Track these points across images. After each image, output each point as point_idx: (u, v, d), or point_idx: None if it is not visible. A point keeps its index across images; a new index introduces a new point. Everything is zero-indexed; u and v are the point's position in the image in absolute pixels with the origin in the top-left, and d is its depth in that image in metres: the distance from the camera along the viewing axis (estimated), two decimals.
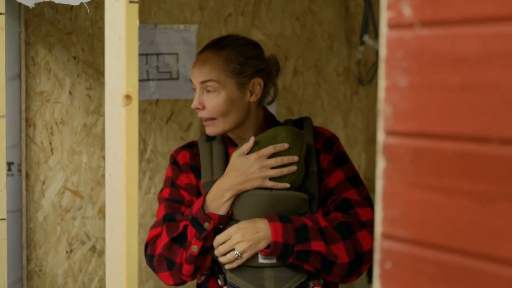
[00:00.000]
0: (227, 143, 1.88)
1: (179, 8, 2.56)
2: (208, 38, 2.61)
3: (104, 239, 2.48)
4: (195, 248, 1.74)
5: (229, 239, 1.72)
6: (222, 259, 1.74)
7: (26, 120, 2.27)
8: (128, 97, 1.31)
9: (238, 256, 1.72)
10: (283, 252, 1.70)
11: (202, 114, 1.80)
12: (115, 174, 1.34)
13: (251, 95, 1.81)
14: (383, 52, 0.84)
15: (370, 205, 1.85)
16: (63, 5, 2.28)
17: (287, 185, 1.75)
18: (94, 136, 2.42)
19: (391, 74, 0.83)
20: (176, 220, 1.79)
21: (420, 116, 0.80)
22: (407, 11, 0.81)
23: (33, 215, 2.34)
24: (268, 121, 1.91)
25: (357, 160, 3.27)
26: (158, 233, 1.83)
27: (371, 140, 3.28)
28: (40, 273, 2.37)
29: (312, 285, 1.80)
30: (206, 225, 1.72)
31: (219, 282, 1.82)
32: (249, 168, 1.74)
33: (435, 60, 0.78)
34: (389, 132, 0.84)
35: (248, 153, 1.75)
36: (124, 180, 1.31)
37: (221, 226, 1.75)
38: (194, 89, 1.83)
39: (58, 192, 2.38)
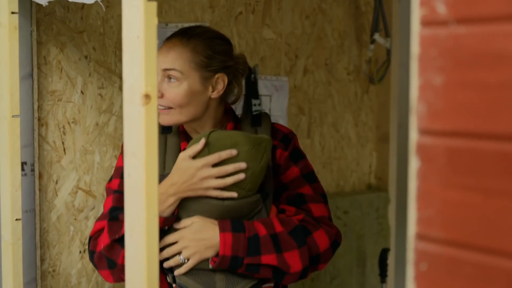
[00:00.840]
0: (181, 137, 1.83)
1: (190, 6, 2.55)
2: None
3: None
4: None
5: (176, 242, 1.70)
6: (165, 264, 1.71)
7: (39, 119, 2.26)
8: (147, 96, 1.29)
9: (182, 261, 1.69)
10: (231, 264, 1.68)
11: (159, 102, 1.72)
12: (134, 174, 1.33)
13: (213, 91, 1.76)
14: (415, 50, 0.82)
15: (325, 202, 1.82)
16: (74, 4, 2.26)
17: (234, 194, 1.68)
18: (107, 135, 2.41)
19: (424, 72, 0.81)
20: (119, 220, 1.73)
21: (456, 115, 0.79)
22: (441, 9, 0.79)
23: (46, 215, 2.33)
24: (229, 116, 1.86)
25: (368, 159, 3.26)
26: (101, 227, 1.77)
27: (382, 139, 3.26)
28: (53, 273, 2.36)
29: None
30: None
31: (168, 279, 1.78)
32: (192, 177, 1.67)
33: (471, 58, 0.77)
34: (424, 131, 0.82)
35: (196, 156, 1.69)
36: (144, 179, 1.30)
37: (166, 227, 1.72)
38: None
39: (71, 192, 2.37)
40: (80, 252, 2.40)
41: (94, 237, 1.79)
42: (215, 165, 1.68)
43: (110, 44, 2.39)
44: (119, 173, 1.82)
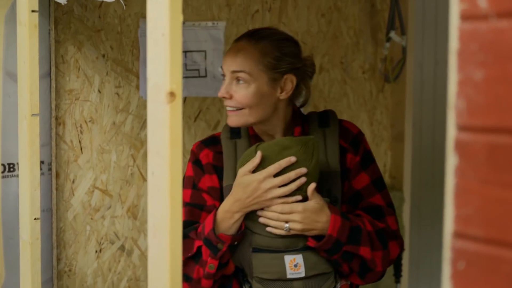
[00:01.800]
0: (253, 141, 1.82)
1: (207, 5, 2.54)
2: (235, 35, 2.59)
3: (132, 239, 2.46)
4: (211, 266, 1.71)
5: (289, 214, 1.68)
6: (269, 222, 1.70)
7: (56, 118, 2.26)
8: (172, 94, 1.28)
9: (286, 229, 1.68)
10: (333, 247, 1.68)
11: (228, 103, 1.74)
12: (158, 173, 1.32)
13: (281, 92, 1.75)
14: (454, 44, 0.81)
15: (394, 212, 1.84)
16: (92, 3, 2.26)
17: (299, 197, 1.69)
18: (123, 134, 2.41)
19: (464, 67, 0.80)
20: (189, 237, 1.75)
21: (497, 110, 0.77)
22: (482, 3, 0.78)
23: (63, 214, 2.33)
24: (297, 118, 1.85)
25: (383, 158, 3.24)
26: None
27: (397, 138, 3.25)
28: (69, 272, 2.36)
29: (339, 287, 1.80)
30: (220, 246, 1.69)
31: None
32: (256, 190, 1.68)
33: None
34: (463, 128, 0.81)
35: (254, 170, 1.69)
36: (168, 178, 1.29)
37: (235, 243, 1.72)
38: (223, 76, 1.76)
39: (88, 191, 2.37)
40: (96, 251, 2.40)
41: None
42: (276, 174, 1.68)
43: (128, 43, 2.39)
44: (190, 183, 1.82)
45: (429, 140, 3.57)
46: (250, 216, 1.72)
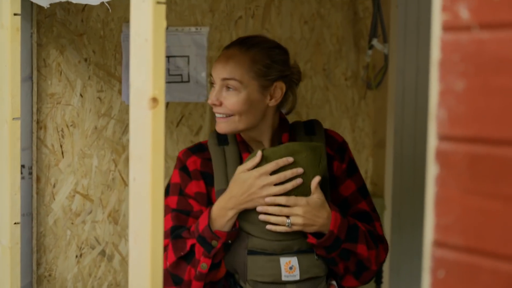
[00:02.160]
0: (241, 147, 1.82)
1: (190, 10, 2.54)
2: (218, 41, 2.59)
3: (113, 244, 2.45)
4: (204, 266, 1.71)
5: (291, 206, 1.69)
6: (270, 218, 1.70)
7: (37, 122, 2.24)
8: (154, 100, 1.28)
9: (288, 225, 1.69)
10: (333, 243, 1.70)
11: (218, 110, 1.75)
12: (140, 178, 1.32)
13: (271, 99, 1.77)
14: (436, 55, 0.82)
15: (379, 219, 1.88)
16: (75, 7, 2.25)
17: (283, 220, 1.69)
18: (105, 139, 2.40)
19: (446, 77, 0.81)
20: (182, 237, 1.75)
21: (477, 120, 0.78)
22: (464, 14, 0.79)
23: (43, 219, 2.31)
24: (284, 125, 1.87)
25: (365, 165, 3.25)
26: (165, 245, 1.77)
27: (379, 144, 3.26)
28: (49, 277, 2.34)
29: None
30: (214, 243, 1.70)
31: None
32: (251, 187, 1.69)
33: (494, 64, 0.77)
34: (444, 137, 0.82)
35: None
36: (150, 184, 1.29)
37: (229, 241, 1.72)
38: (212, 84, 1.77)
39: (69, 196, 2.35)
40: (76, 256, 2.38)
41: (164, 256, 1.78)
42: (273, 173, 1.70)
43: (110, 47, 2.38)
44: (177, 190, 1.82)
45: (411, 147, 3.59)
46: (246, 218, 1.73)
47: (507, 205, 0.76)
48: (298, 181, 1.70)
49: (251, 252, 1.73)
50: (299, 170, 1.70)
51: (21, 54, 2.08)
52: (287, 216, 1.70)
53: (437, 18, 0.81)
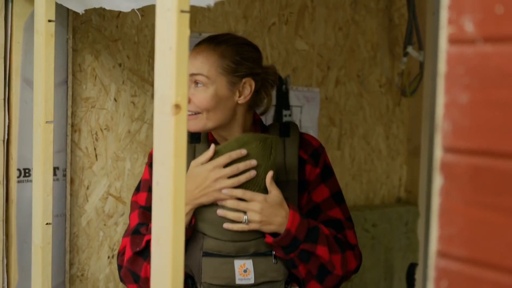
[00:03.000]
0: (211, 144, 1.81)
1: (224, 17, 2.57)
2: None
3: None
4: None
5: (248, 202, 1.67)
6: (228, 214, 1.68)
7: (72, 125, 2.30)
8: (177, 106, 1.31)
9: (245, 222, 1.67)
10: (290, 244, 1.67)
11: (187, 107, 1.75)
12: (162, 183, 1.35)
13: (239, 96, 1.75)
14: (442, 67, 0.83)
15: (353, 226, 1.84)
16: (110, 12, 2.30)
17: (240, 215, 1.67)
18: (138, 142, 2.44)
19: (451, 90, 0.82)
20: (140, 233, 1.75)
21: (481, 133, 0.79)
22: (469, 27, 0.79)
23: (76, 220, 2.36)
24: (257, 126, 1.86)
25: (398, 172, 3.24)
26: (126, 242, 1.79)
27: (413, 152, 3.25)
28: (82, 277, 2.39)
29: None
30: None
31: None
32: (204, 180, 1.68)
33: (498, 77, 0.77)
34: (448, 149, 0.82)
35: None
36: (172, 189, 1.32)
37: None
38: None
39: (102, 198, 2.40)
40: (108, 257, 2.43)
41: (121, 253, 1.80)
42: (227, 166, 1.68)
43: (144, 53, 2.42)
44: (146, 186, 1.83)
45: None
46: (202, 217, 1.72)
47: (509, 217, 0.77)
48: (252, 173, 1.67)
49: (206, 254, 1.71)
50: (253, 162, 1.67)
51: (57, 59, 2.14)
52: (245, 213, 1.68)
53: (444, 31, 0.82)
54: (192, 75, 1.72)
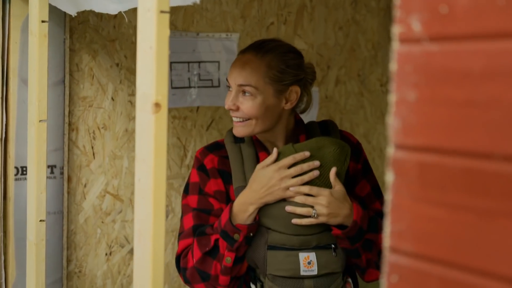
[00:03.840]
0: (257, 146, 1.87)
1: (222, 16, 2.59)
2: None
3: None
4: (228, 260, 1.75)
5: (316, 196, 1.74)
6: (296, 210, 1.75)
7: (69, 124, 2.33)
8: (157, 105, 1.33)
9: (314, 215, 1.74)
10: (357, 234, 1.74)
11: (235, 114, 1.79)
12: (144, 180, 1.37)
13: (286, 103, 1.80)
14: (393, 66, 0.84)
15: None
16: (107, 13, 2.33)
17: (309, 210, 1.74)
18: (135, 141, 2.47)
19: (400, 88, 0.83)
20: (206, 234, 1.80)
21: (426, 130, 0.80)
22: (417, 26, 0.81)
23: (74, 217, 2.40)
24: (299, 126, 1.90)
25: None
26: (189, 244, 1.83)
27: None
28: (79, 274, 2.43)
29: None
30: (236, 236, 1.74)
31: None
32: (269, 180, 1.74)
33: (441, 75, 0.79)
34: (398, 146, 0.84)
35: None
36: (152, 185, 1.34)
37: (251, 234, 1.76)
38: (229, 87, 1.81)
39: (99, 195, 2.43)
40: (106, 254, 2.46)
41: (183, 255, 1.84)
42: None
43: None
44: (196, 189, 1.86)
45: None
46: (267, 213, 1.77)
47: (452, 213, 0.78)
48: (315, 173, 1.74)
49: (271, 247, 1.78)
50: (316, 163, 1.74)
51: (54, 59, 2.17)
52: (312, 207, 1.74)
53: (394, 30, 0.84)
54: (240, 85, 1.77)
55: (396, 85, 0.84)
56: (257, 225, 1.78)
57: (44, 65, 1.88)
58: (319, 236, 1.78)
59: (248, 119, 1.79)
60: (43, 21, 1.85)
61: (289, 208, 1.75)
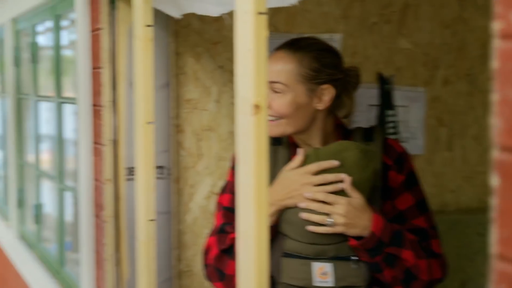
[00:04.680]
0: (292, 149, 1.82)
1: (323, 17, 2.57)
2: (352, 47, 2.60)
3: None
4: None
5: (333, 204, 1.67)
6: (312, 217, 1.68)
7: (175, 126, 2.38)
8: (257, 107, 1.34)
9: (330, 223, 1.66)
10: (375, 247, 1.66)
11: (268, 112, 1.74)
12: (245, 181, 1.38)
13: (319, 103, 1.75)
14: (495, 64, 0.80)
15: (438, 236, 1.79)
16: (209, 16, 2.36)
17: (323, 218, 1.66)
18: (236, 143, 2.49)
19: (503, 87, 0.79)
20: (226, 232, 1.78)
21: None
22: None
23: (182, 217, 2.45)
24: (339, 130, 1.84)
25: None
26: (212, 241, 1.83)
27: None
28: (189, 273, 2.47)
29: None
30: None
31: None
32: (292, 184, 1.69)
33: None
34: (502, 148, 0.80)
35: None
36: (253, 187, 1.34)
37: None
38: None
39: (206, 197, 2.47)
40: None
41: (206, 252, 1.86)
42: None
43: None
44: (229, 187, 1.87)
45: None
46: (285, 218, 1.73)
47: None
48: (340, 185, 1.67)
49: (286, 255, 1.73)
50: (342, 175, 1.67)
51: (159, 63, 2.23)
52: (328, 215, 1.67)
53: (494, 27, 0.80)
54: (270, 82, 1.72)
55: (498, 84, 0.80)
56: (275, 229, 1.73)
57: (150, 68, 1.93)
58: (337, 246, 1.70)
59: (279, 118, 1.74)
60: (148, 25, 1.90)
61: (304, 215, 1.69)
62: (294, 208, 1.72)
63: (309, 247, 1.71)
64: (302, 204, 1.69)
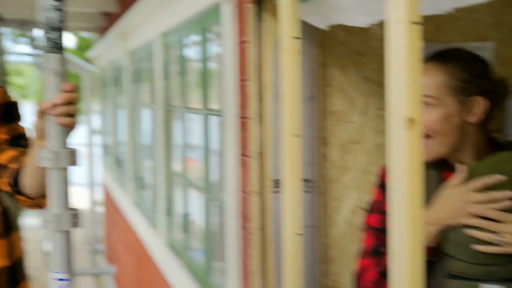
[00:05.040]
0: (442, 166, 1.73)
1: (474, 25, 2.46)
2: (505, 56, 2.47)
3: None
4: None
5: (503, 222, 1.56)
6: (480, 235, 1.58)
7: (320, 138, 2.36)
8: (411, 121, 1.29)
9: (498, 242, 1.56)
10: None
11: None
12: (397, 199, 1.33)
13: (470, 116, 1.67)
14: None
15: None
16: (354, 27, 2.33)
17: (491, 236, 1.55)
18: (387, 158, 2.43)
19: None
20: (382, 253, 1.72)
21: None
22: None
23: (327, 231, 2.42)
24: (492, 145, 1.74)
25: None
26: (368, 264, 1.77)
27: None
28: None
29: None
30: None
31: None
32: (453, 202, 1.60)
33: None
34: None
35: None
36: (407, 205, 1.29)
37: (428, 258, 1.61)
38: None
39: (352, 211, 2.43)
40: None
41: (361, 274, 1.82)
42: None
43: None
44: (377, 207, 1.83)
45: None
46: (449, 238, 1.65)
47: None
48: (506, 204, 1.56)
49: (451, 276, 1.63)
50: (510, 193, 1.56)
51: (304, 74, 2.22)
52: (497, 234, 1.56)
53: None
54: None
55: None
56: (436, 250, 1.64)
57: (297, 81, 1.92)
58: (509, 267, 1.58)
59: (429, 136, 1.67)
60: (295, 37, 1.89)
61: (472, 232, 1.58)
62: (459, 227, 1.65)
63: (475, 268, 1.63)
64: (470, 221, 1.61)
